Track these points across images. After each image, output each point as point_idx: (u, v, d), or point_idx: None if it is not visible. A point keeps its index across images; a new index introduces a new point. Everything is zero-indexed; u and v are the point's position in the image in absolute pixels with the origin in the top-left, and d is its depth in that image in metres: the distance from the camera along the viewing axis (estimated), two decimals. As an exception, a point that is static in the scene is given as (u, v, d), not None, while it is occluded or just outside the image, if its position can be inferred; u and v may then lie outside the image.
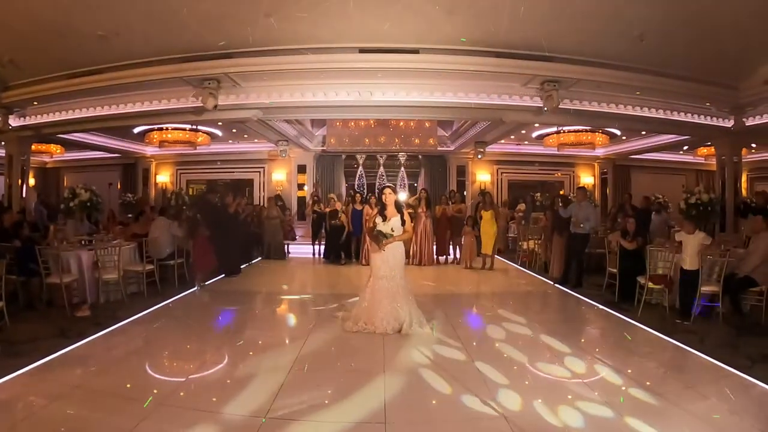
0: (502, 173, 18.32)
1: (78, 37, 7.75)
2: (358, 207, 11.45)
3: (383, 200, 6.15)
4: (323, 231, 12.26)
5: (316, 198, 13.28)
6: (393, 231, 5.91)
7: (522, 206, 15.23)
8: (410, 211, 10.86)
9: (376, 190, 16.56)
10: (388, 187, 6.20)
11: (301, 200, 16.80)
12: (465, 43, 7.76)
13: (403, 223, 6.02)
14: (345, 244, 11.71)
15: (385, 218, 6.01)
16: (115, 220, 11.71)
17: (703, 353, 5.10)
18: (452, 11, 7.08)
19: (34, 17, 7.25)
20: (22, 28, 7.50)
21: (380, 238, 5.91)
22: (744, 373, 4.51)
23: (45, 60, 8.62)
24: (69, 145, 15.37)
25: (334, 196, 12.50)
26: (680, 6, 6.81)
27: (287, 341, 5.87)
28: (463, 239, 11.18)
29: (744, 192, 13.59)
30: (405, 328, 5.74)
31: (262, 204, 16.43)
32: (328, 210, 11.93)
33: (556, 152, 15.90)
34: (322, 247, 12.36)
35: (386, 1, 6.83)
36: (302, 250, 13.37)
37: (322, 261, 11.95)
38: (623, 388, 4.26)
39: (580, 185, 15.94)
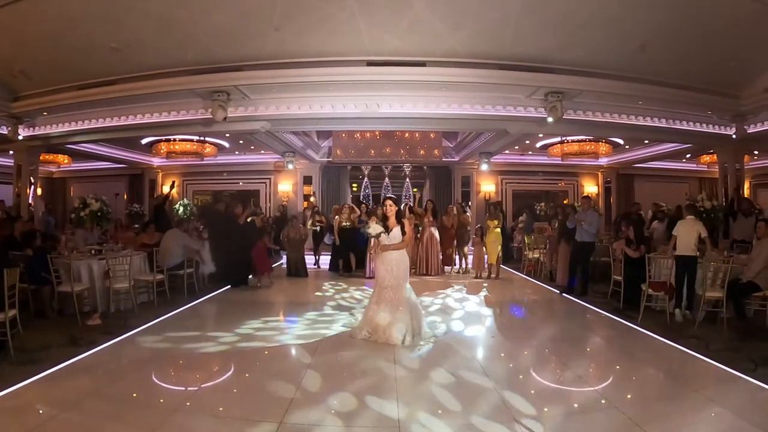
0: (506, 183, 18.44)
1: (89, 49, 7.92)
2: (364, 218, 11.28)
3: (384, 211, 6.22)
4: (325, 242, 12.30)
5: (316, 209, 13.32)
6: (382, 234, 6.03)
7: (523, 216, 15.27)
8: (416, 222, 10.96)
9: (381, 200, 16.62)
10: (389, 198, 6.29)
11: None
12: (470, 56, 7.89)
13: (404, 233, 6.08)
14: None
15: (387, 228, 6.06)
16: (123, 228, 11.77)
17: (707, 358, 5.16)
18: (458, 25, 7.26)
19: (45, 29, 7.40)
20: (33, 39, 7.65)
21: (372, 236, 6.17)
22: (748, 376, 4.57)
23: (55, 71, 8.75)
24: (76, 155, 15.51)
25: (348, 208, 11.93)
26: (681, 16, 6.97)
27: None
28: (472, 249, 11.21)
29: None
30: (407, 340, 5.70)
31: (270, 214, 16.59)
32: (345, 223, 11.48)
33: (560, 162, 16.00)
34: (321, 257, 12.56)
35: (394, 15, 7.01)
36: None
37: (329, 273, 11.64)
38: (628, 395, 4.31)
39: (585, 194, 16.03)
